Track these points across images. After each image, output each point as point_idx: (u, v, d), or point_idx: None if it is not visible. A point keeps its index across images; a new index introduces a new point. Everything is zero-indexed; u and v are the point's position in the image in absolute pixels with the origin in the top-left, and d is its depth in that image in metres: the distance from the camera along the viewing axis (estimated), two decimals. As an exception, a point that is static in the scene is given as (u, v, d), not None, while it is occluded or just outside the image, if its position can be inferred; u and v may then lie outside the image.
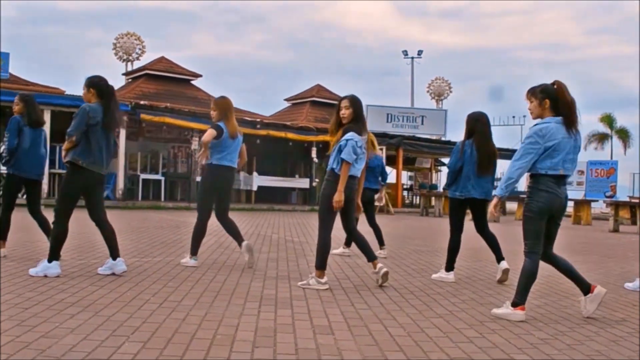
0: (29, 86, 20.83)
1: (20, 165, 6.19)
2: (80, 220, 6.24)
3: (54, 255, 5.34)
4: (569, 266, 4.51)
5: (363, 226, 7.66)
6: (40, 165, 6.43)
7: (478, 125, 5.90)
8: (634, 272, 6.15)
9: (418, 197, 26.46)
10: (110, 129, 5.47)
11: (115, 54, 29.65)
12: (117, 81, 27.54)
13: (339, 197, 5.15)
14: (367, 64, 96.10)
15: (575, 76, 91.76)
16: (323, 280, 5.24)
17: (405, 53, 36.38)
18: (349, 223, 5.56)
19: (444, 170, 33.74)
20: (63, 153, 5.41)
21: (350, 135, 5.21)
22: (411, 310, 4.48)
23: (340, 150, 5.19)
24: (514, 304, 4.29)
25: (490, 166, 5.89)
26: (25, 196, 6.53)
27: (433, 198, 22.62)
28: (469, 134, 5.94)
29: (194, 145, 19.58)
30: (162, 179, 20.80)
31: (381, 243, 7.96)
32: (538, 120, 4.30)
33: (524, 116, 33.08)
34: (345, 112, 5.31)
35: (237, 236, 6.42)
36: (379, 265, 5.45)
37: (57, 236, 5.37)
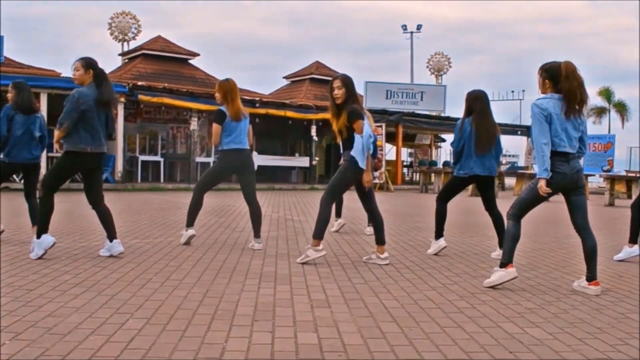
0: (24, 69, 20.82)
1: (12, 151, 6.29)
2: (81, 203, 6.36)
3: (43, 229, 5.43)
4: (594, 249, 4.51)
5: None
6: (35, 149, 6.48)
7: (477, 103, 5.96)
8: (624, 245, 6.29)
9: (418, 174, 26.56)
10: (107, 109, 5.56)
11: (111, 34, 29.57)
12: (112, 61, 27.47)
13: (368, 177, 5.48)
14: (366, 40, 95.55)
15: (576, 50, 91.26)
16: (320, 247, 5.44)
17: (404, 28, 36.21)
18: (371, 204, 5.68)
19: (444, 146, 33.86)
20: (55, 140, 5.46)
21: (368, 131, 5.38)
22: (406, 284, 4.63)
23: (362, 143, 5.33)
24: (503, 265, 4.44)
25: (490, 144, 5.91)
26: (22, 181, 6.66)
27: (432, 174, 22.74)
28: (468, 111, 6.01)
29: (193, 125, 19.64)
30: (161, 160, 20.90)
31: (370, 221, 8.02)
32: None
33: (523, 91, 33.04)
34: (338, 93, 5.38)
35: (256, 226, 6.33)
36: (385, 254, 5.54)
37: (48, 210, 5.47)
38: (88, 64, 5.54)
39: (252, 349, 2.94)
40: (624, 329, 3.47)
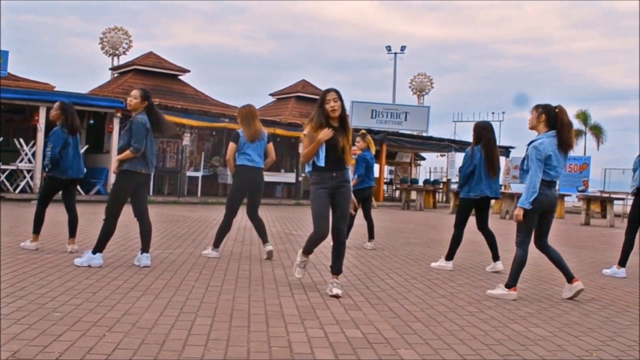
0: (20, 82, 21.19)
1: (68, 171, 6.84)
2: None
3: (100, 247, 6.05)
4: (558, 257, 5.33)
5: (358, 220, 8.51)
6: (82, 166, 7.09)
7: (484, 132, 6.73)
8: (603, 261, 7.10)
9: (398, 191, 27.37)
10: (161, 134, 6.25)
11: (102, 48, 30.02)
12: (91, 71, 27.83)
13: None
14: (348, 56, 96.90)
15: (553, 70, 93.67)
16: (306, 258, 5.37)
17: (388, 48, 37.21)
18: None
19: (423, 164, 34.80)
20: (116, 163, 6.05)
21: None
22: (418, 292, 5.31)
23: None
24: (508, 286, 5.15)
25: (497, 168, 6.74)
26: (61, 192, 7.20)
27: (414, 192, 23.55)
28: (477, 140, 6.73)
29: (185, 141, 20.19)
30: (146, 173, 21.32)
31: (371, 236, 8.70)
32: (535, 137, 5.15)
33: (503, 112, 34.15)
34: (335, 105, 4.98)
35: (262, 235, 7.10)
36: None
37: (108, 232, 6.07)
38: (146, 96, 6.18)
39: (312, 341, 3.58)
40: (611, 329, 4.21)
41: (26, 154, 16.98)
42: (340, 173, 5.02)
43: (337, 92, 5.07)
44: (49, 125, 16.16)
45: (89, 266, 5.92)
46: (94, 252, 6.03)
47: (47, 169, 6.86)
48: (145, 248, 6.23)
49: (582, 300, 5.27)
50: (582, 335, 4.00)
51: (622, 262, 6.86)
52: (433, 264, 6.96)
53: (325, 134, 4.93)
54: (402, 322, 4.15)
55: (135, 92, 6.15)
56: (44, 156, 6.88)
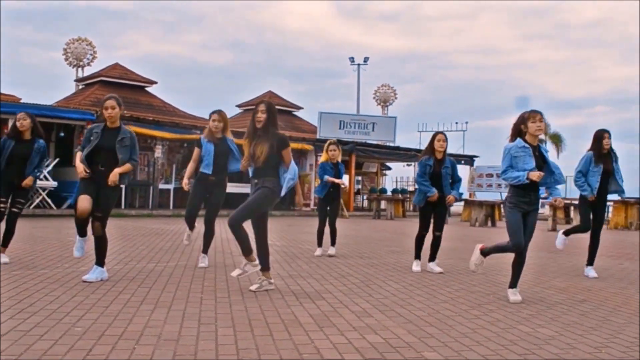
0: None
1: None
2: (116, 229, 6.94)
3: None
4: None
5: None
6: None
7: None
8: (580, 265, 7.52)
9: (367, 201, 27.68)
10: None
11: (66, 59, 29.57)
12: (66, 86, 27.41)
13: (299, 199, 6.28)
14: (308, 66, 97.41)
15: (507, 80, 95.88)
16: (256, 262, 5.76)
17: (352, 60, 37.63)
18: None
19: (389, 174, 35.27)
20: (115, 177, 5.97)
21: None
22: (420, 299, 5.49)
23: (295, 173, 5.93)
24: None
25: None
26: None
27: (383, 201, 23.87)
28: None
29: (157, 153, 20.09)
30: (122, 186, 21.14)
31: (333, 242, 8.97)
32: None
33: (467, 122, 34.91)
34: (261, 117, 5.54)
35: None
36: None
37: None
38: (120, 103, 6.14)
39: (338, 347, 3.72)
40: (610, 327, 4.48)
41: None
42: (260, 180, 5.63)
43: (267, 104, 5.67)
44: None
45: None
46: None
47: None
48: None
49: (574, 302, 5.53)
50: (585, 334, 4.24)
51: (591, 261, 7.42)
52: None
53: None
54: (416, 326, 4.32)
55: (112, 102, 6.04)
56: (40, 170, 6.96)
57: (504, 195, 5.86)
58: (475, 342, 3.93)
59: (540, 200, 5.69)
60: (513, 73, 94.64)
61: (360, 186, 32.44)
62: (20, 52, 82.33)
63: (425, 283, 6.44)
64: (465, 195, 26.77)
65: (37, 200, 17.61)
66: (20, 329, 3.98)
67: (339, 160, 9.08)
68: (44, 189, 17.46)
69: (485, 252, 5.80)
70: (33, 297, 5.04)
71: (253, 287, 5.69)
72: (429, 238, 7.44)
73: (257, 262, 5.74)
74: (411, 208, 28.04)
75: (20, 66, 78.98)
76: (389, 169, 34.40)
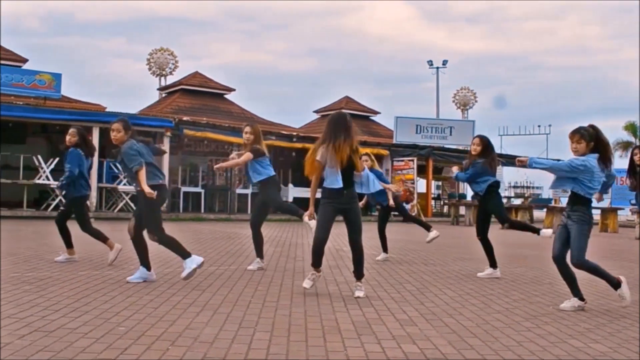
0: (74, 103, 21.93)
1: (81, 188, 7.55)
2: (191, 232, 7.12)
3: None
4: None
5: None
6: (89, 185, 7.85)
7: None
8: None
9: (447, 207, 27.12)
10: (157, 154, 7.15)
11: (149, 69, 30.87)
12: (150, 95, 28.55)
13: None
14: (389, 71, 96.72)
15: (596, 81, 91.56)
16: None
17: (430, 63, 37.10)
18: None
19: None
20: (147, 190, 5.98)
21: None
22: (473, 308, 5.29)
23: None
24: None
25: None
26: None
27: (462, 207, 23.30)
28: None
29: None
30: (202, 191, 21.79)
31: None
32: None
33: (550, 125, 33.58)
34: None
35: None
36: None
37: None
38: (127, 126, 6.32)
39: (370, 355, 3.63)
40: (673, 345, 4.11)
41: (44, 171, 17.44)
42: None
43: (251, 126, 7.32)
44: (102, 144, 16.82)
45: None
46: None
47: (61, 187, 7.66)
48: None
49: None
50: (644, 352, 3.93)
51: None
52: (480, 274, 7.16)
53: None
54: (459, 337, 4.16)
55: (117, 125, 6.26)
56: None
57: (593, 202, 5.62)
58: (517, 355, 3.72)
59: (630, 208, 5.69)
60: (602, 74, 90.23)
61: (440, 191, 31.82)
62: (112, 64, 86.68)
63: (484, 292, 6.19)
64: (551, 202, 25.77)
65: (121, 204, 18.43)
66: (68, 327, 4.15)
67: (376, 167, 9.14)
68: (127, 194, 18.22)
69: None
70: (90, 297, 5.24)
71: (307, 285, 5.81)
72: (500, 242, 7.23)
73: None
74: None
75: (112, 76, 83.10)
76: (470, 174, 33.48)
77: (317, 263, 5.82)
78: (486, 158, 7.17)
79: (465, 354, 3.72)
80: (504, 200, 28.43)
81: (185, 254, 6.14)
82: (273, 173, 7.49)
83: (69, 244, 7.64)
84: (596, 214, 24.05)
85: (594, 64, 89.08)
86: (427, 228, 9.25)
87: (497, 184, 7.32)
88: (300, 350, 3.71)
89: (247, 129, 7.38)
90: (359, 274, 5.80)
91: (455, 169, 7.61)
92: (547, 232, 7.31)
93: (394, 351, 3.74)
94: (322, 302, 5.34)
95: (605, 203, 22.27)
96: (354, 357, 3.62)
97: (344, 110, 6.24)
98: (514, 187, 36.90)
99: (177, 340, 3.90)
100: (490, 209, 7.34)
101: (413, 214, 21.84)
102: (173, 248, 6.23)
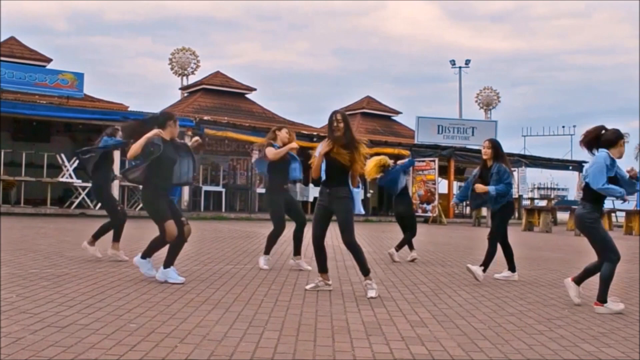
0: (96, 103, 22.19)
1: None
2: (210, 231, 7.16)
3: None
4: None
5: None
6: None
7: None
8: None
9: (469, 208, 26.89)
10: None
11: (171, 69, 31.12)
12: (172, 94, 28.83)
13: None
14: (411, 71, 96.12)
15: (625, 80, 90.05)
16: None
17: (452, 62, 36.80)
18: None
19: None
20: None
21: None
22: (486, 310, 5.24)
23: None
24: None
25: None
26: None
27: (484, 208, 23.09)
28: None
29: (254, 158, 20.60)
30: (223, 190, 21.92)
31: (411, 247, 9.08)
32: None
33: (574, 126, 33.13)
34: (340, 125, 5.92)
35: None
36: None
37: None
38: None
39: (378, 356, 3.62)
40: (689, 351, 4.02)
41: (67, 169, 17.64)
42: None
43: (342, 113, 6.16)
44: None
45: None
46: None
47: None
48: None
49: (660, 320, 5.06)
50: (658, 357, 3.85)
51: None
52: (497, 275, 7.17)
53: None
54: (469, 339, 4.12)
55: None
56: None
57: (617, 204, 5.64)
58: (526, 359, 3.67)
59: None
60: (628, 73, 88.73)
61: (462, 192, 31.58)
62: (132, 64, 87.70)
63: (499, 294, 6.13)
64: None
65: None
66: (80, 323, 4.20)
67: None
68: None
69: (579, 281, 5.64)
70: (105, 294, 5.30)
71: (308, 286, 5.97)
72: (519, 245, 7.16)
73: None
74: (516, 215, 26.97)
75: (137, 77, 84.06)
76: (493, 175, 33.21)
77: (321, 267, 5.96)
78: (500, 160, 7.06)
79: (473, 356, 3.69)
80: (527, 202, 28.15)
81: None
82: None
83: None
84: (621, 217, 23.72)
85: (620, 63, 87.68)
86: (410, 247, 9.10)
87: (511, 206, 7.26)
88: (308, 350, 3.70)
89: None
90: (362, 271, 5.88)
91: (481, 188, 6.99)
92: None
93: (402, 352, 3.72)
94: (335, 302, 5.33)
95: (631, 205, 21.89)
96: (361, 357, 3.60)
97: (338, 109, 6.10)
98: (539, 188, 36.48)
99: (186, 337, 3.92)
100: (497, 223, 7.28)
101: (434, 215, 21.95)
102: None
